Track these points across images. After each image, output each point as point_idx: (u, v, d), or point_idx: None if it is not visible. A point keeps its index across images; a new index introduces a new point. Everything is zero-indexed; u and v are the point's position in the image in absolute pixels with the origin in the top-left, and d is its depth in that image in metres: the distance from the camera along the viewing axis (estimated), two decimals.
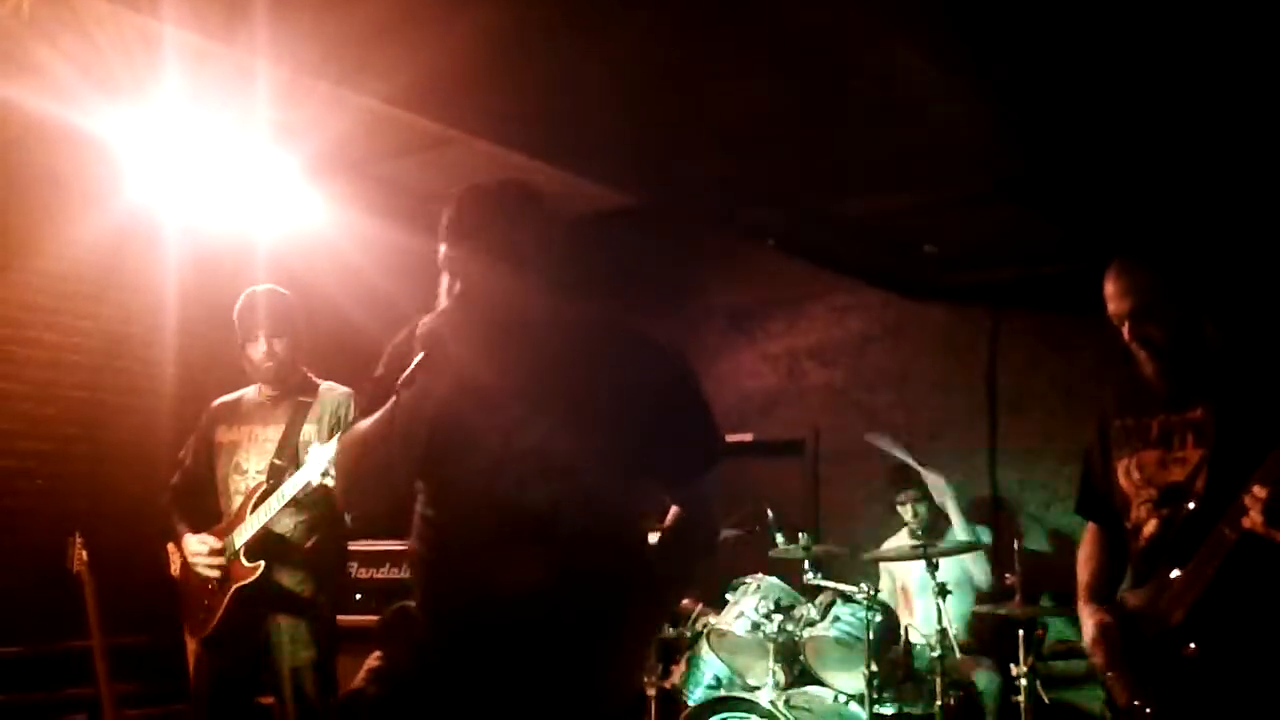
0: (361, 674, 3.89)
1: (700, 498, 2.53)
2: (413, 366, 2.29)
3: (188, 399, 5.15)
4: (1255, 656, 2.63)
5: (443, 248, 2.41)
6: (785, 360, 7.07)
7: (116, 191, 4.90)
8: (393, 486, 2.45)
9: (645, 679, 5.13)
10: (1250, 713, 2.63)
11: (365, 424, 2.39)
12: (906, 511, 5.77)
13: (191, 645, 4.24)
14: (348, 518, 3.70)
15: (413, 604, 2.45)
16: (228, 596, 3.86)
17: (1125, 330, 2.80)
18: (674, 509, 2.54)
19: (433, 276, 2.44)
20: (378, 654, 4.84)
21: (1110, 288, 2.82)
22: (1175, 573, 2.71)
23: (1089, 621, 2.93)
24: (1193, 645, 2.67)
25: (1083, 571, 3.07)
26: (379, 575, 5.28)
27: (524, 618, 2.29)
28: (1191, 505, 2.71)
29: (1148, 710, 2.76)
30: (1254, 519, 2.51)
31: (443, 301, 2.39)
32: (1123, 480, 2.89)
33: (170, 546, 4.21)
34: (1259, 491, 2.51)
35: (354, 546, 4.71)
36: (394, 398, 2.31)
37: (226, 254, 5.18)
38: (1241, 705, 2.63)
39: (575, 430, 2.33)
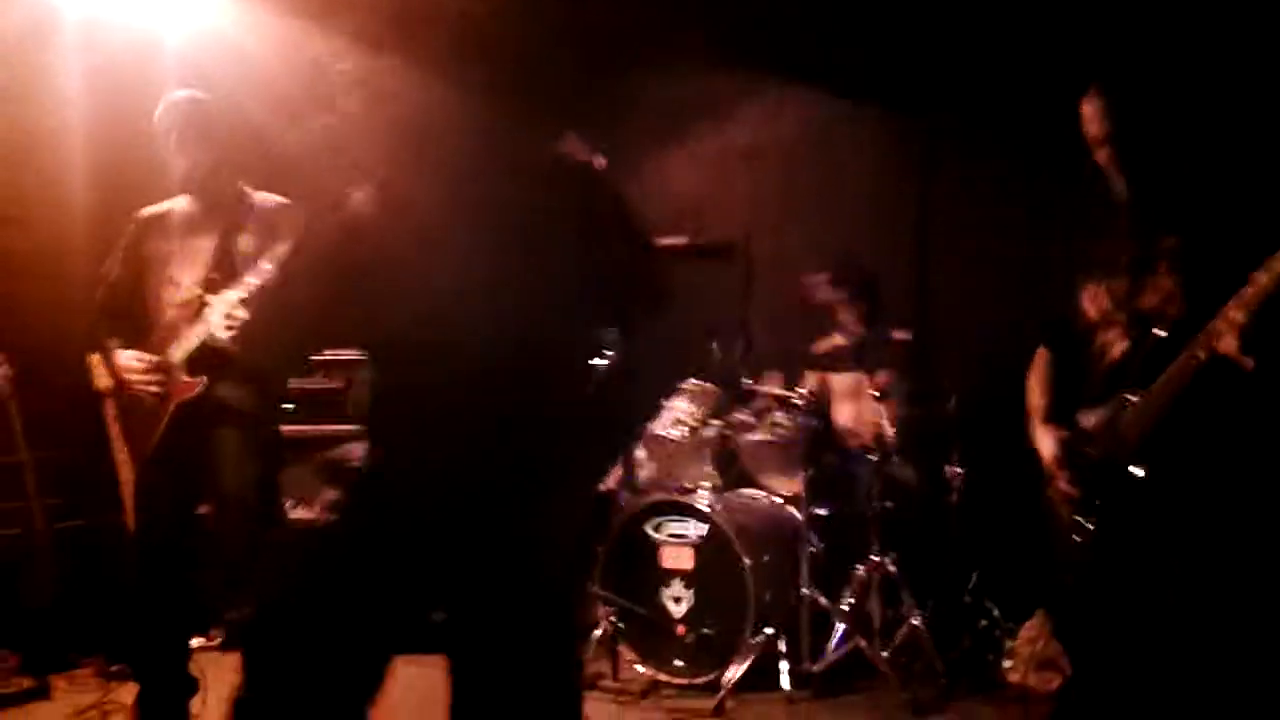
0: (317, 507, 3.90)
1: (639, 349, 2.48)
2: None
3: (97, 206, 4.97)
4: (1203, 484, 2.65)
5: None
6: (716, 162, 6.94)
7: None
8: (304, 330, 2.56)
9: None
10: (1190, 541, 2.65)
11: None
12: (840, 310, 5.57)
13: (122, 458, 4.16)
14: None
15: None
16: (168, 413, 3.75)
17: (1103, 154, 2.76)
18: (619, 357, 2.51)
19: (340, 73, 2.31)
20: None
21: (1089, 110, 2.77)
22: (1133, 396, 2.71)
23: (1048, 439, 2.94)
24: (1142, 469, 2.69)
25: (1035, 395, 3.06)
26: (309, 386, 5.18)
27: (464, 459, 2.30)
28: (1162, 332, 2.69)
29: (1089, 527, 2.80)
30: (1228, 343, 2.49)
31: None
32: (1088, 305, 2.87)
33: (95, 359, 4.08)
34: (1235, 315, 2.48)
35: None
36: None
37: (132, 55, 4.91)
38: (1183, 533, 2.65)
39: (509, 271, 2.29)
